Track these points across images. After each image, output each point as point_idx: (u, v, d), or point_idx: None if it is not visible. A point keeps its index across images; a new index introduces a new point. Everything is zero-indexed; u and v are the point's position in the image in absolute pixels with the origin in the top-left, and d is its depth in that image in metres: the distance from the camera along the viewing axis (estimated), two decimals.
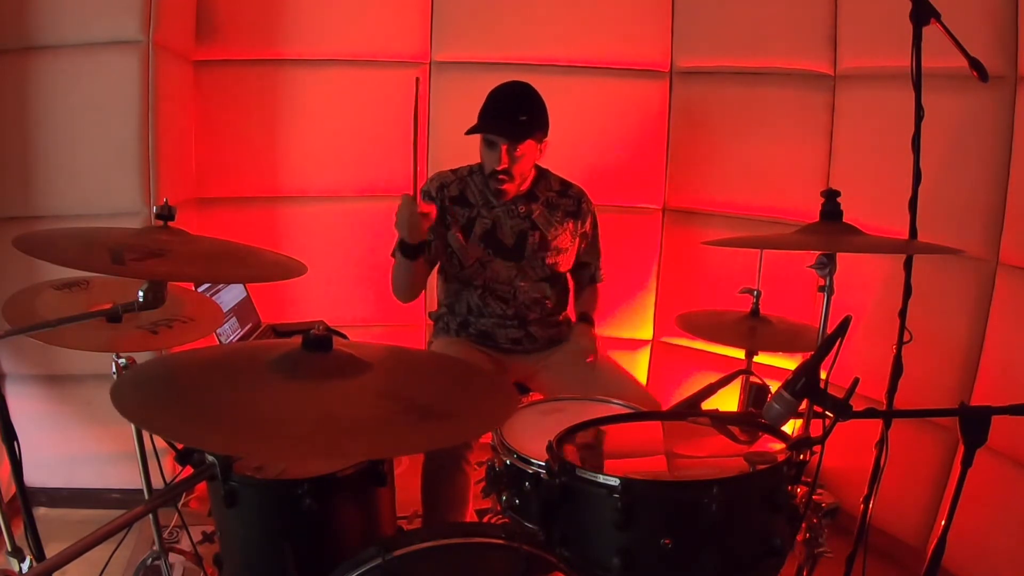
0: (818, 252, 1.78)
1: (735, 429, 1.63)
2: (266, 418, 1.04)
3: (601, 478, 1.32)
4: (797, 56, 2.79)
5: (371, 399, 1.08)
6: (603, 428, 1.65)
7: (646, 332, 3.27)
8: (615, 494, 1.29)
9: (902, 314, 1.88)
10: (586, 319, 2.40)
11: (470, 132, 2.22)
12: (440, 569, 1.37)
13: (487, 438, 1.72)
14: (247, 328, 2.69)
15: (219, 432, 1.00)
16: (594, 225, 2.50)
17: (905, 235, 1.87)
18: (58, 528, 2.52)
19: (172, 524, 2.26)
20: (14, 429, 1.38)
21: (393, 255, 2.29)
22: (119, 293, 1.48)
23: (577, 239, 2.45)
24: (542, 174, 2.41)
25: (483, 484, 1.70)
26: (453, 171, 2.40)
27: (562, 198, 2.42)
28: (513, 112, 2.20)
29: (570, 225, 2.42)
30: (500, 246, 2.34)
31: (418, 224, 2.12)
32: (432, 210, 2.15)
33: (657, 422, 1.75)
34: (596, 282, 2.53)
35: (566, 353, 2.36)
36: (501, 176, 2.24)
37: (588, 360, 2.24)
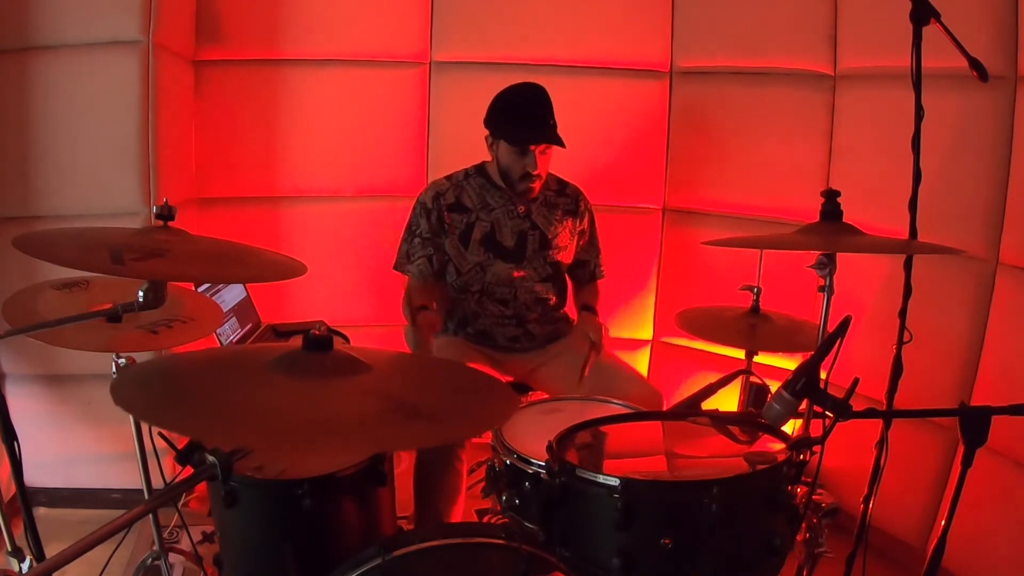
0: (818, 252, 1.79)
1: (735, 429, 1.63)
2: (257, 412, 1.04)
3: (601, 478, 1.32)
4: (797, 56, 2.79)
5: (362, 398, 1.08)
6: (603, 428, 1.65)
7: (646, 332, 3.27)
8: (615, 494, 1.29)
9: (902, 314, 1.88)
10: (589, 308, 2.40)
11: (516, 144, 2.22)
12: (440, 569, 1.37)
13: (486, 438, 1.72)
14: (247, 328, 2.69)
15: (213, 423, 1.01)
16: (592, 222, 2.51)
17: (905, 235, 1.87)
18: (58, 528, 2.52)
19: (172, 524, 2.26)
20: (14, 429, 1.38)
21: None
22: (119, 293, 1.48)
23: (576, 237, 2.46)
24: None
25: (483, 484, 1.70)
26: (448, 177, 2.40)
27: (560, 197, 2.43)
28: (546, 117, 2.23)
29: (569, 223, 2.43)
30: (500, 248, 2.34)
31: (425, 341, 2.16)
32: (437, 322, 2.22)
33: (657, 422, 1.75)
34: (597, 278, 2.54)
35: (567, 347, 2.37)
36: (536, 177, 2.26)
37: (593, 353, 2.21)
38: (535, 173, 2.25)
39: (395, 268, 2.39)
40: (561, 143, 2.21)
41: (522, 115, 2.23)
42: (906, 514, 2.47)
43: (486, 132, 2.30)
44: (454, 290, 2.38)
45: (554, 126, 2.24)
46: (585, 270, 2.53)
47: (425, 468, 2.13)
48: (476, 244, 2.33)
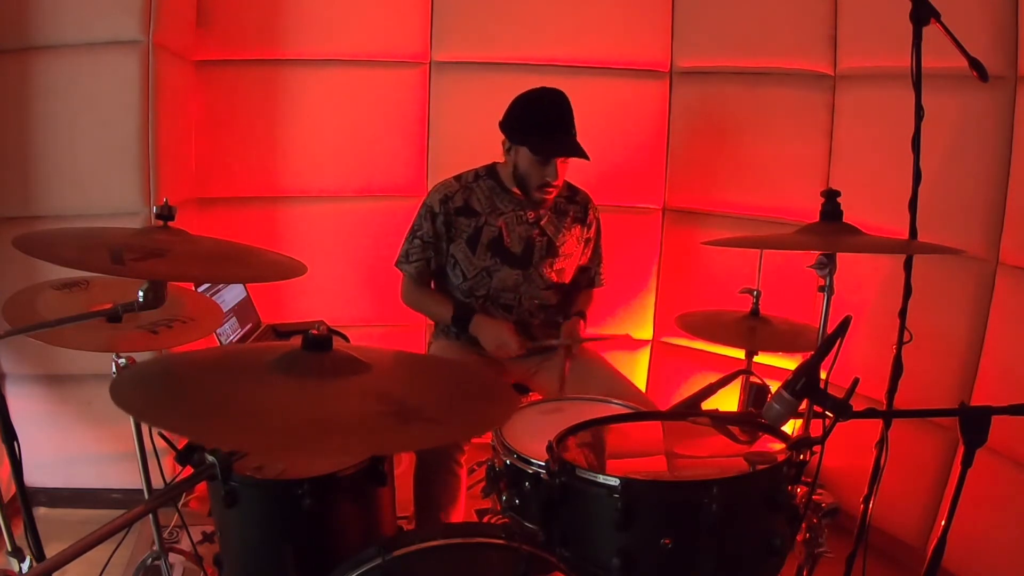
0: (818, 252, 1.78)
1: (735, 429, 1.63)
2: (257, 412, 1.04)
3: (601, 478, 1.32)
4: (797, 56, 2.79)
5: (361, 399, 1.08)
6: (603, 428, 1.65)
7: (646, 332, 3.27)
8: (615, 494, 1.29)
9: (902, 314, 1.88)
10: (579, 315, 2.40)
11: (541, 155, 2.19)
12: (440, 569, 1.37)
13: (486, 438, 1.72)
14: (247, 328, 2.69)
15: (213, 423, 1.01)
16: (598, 231, 2.51)
17: (905, 235, 1.87)
18: (58, 528, 2.52)
19: (172, 524, 2.26)
20: (14, 429, 1.38)
21: (422, 306, 2.44)
22: (119, 293, 1.48)
23: (582, 244, 2.45)
24: None
25: (483, 484, 1.70)
26: (456, 178, 2.38)
27: (570, 204, 2.42)
28: (569, 127, 2.20)
29: (577, 231, 2.42)
30: (507, 254, 2.33)
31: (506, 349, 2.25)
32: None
33: (657, 422, 1.75)
34: (595, 286, 2.53)
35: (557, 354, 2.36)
36: (553, 187, 2.26)
37: (567, 359, 2.25)
38: (554, 183, 2.24)
39: (396, 265, 2.39)
40: (586, 155, 2.18)
41: (548, 125, 2.20)
42: (906, 514, 2.47)
43: (502, 136, 2.27)
44: (460, 293, 2.38)
45: (575, 135, 2.21)
46: (585, 276, 2.53)
47: (425, 468, 2.13)
48: (483, 248, 2.32)
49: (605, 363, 2.35)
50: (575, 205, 2.43)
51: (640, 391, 2.33)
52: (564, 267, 2.40)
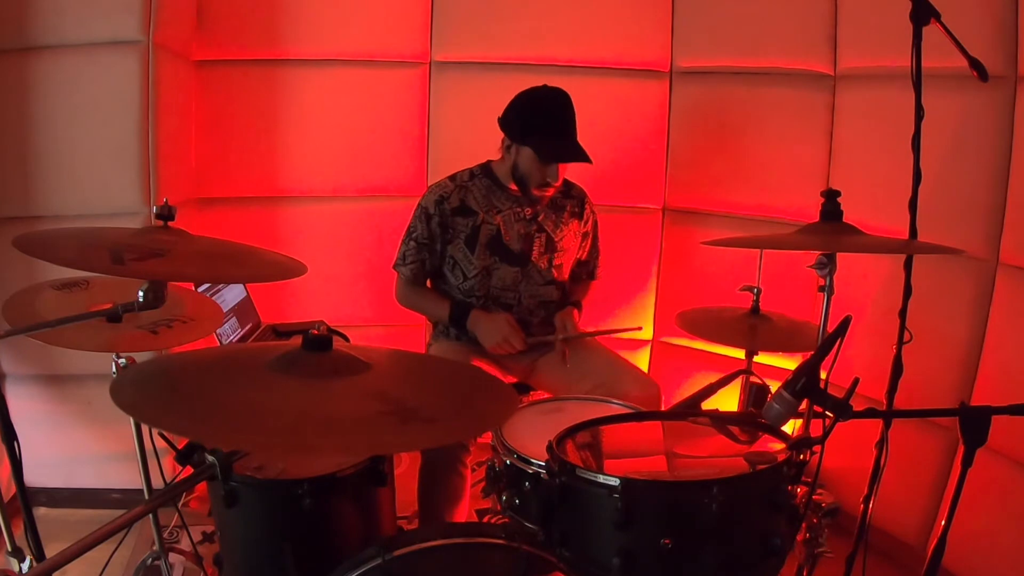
0: (818, 252, 1.79)
1: (735, 429, 1.63)
2: (257, 412, 1.04)
3: (601, 478, 1.32)
4: (797, 56, 2.79)
5: (361, 399, 1.08)
6: (603, 428, 1.65)
7: (646, 332, 3.27)
8: (615, 494, 1.29)
9: (902, 314, 1.88)
10: (574, 304, 2.42)
11: (547, 159, 2.20)
12: (440, 569, 1.37)
13: (487, 438, 1.72)
14: (247, 328, 2.69)
15: (213, 423, 1.01)
16: (595, 225, 2.52)
17: (905, 235, 1.87)
18: (58, 528, 2.52)
19: (172, 524, 2.26)
20: (14, 429, 1.38)
21: (416, 304, 2.43)
22: (119, 293, 1.48)
23: (579, 238, 2.46)
24: None
25: (483, 484, 1.70)
26: (451, 178, 2.38)
27: (566, 199, 2.43)
28: (572, 129, 2.21)
29: (574, 225, 2.43)
30: (506, 252, 2.33)
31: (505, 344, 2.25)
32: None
33: (657, 422, 1.75)
34: (593, 278, 2.56)
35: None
36: (551, 186, 2.27)
37: (563, 344, 2.28)
38: (554, 184, 2.26)
39: (393, 267, 2.40)
40: (589, 159, 2.18)
41: (552, 126, 2.20)
42: (906, 514, 2.47)
43: (502, 134, 2.27)
44: (460, 293, 2.38)
45: (576, 137, 2.21)
46: (584, 269, 2.55)
47: (430, 468, 2.13)
48: (483, 248, 2.32)
49: (605, 348, 2.36)
50: (571, 200, 2.44)
51: (643, 372, 2.34)
52: (562, 262, 2.41)
